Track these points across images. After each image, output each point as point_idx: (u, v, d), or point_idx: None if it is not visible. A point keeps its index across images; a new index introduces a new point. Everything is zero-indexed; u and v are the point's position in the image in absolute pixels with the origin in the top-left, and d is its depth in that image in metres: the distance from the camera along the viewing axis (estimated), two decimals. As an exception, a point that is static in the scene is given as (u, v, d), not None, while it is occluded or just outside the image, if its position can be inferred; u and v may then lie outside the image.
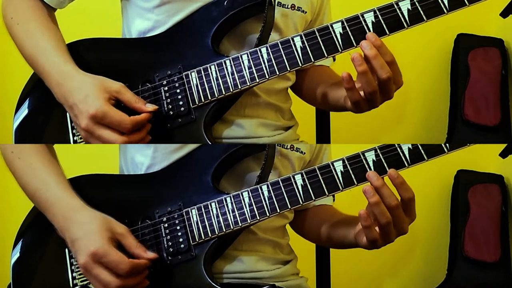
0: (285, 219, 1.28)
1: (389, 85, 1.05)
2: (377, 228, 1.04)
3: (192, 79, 1.10)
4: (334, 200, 1.34)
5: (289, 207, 1.07)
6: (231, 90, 1.09)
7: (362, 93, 1.06)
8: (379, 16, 1.06)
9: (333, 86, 1.23)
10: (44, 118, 1.18)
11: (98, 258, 1.01)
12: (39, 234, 1.17)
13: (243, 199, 1.09)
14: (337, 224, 1.22)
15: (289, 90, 1.35)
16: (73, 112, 1.05)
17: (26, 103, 1.19)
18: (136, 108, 1.06)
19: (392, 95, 1.08)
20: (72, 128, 1.15)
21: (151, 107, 1.07)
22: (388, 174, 1.03)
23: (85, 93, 1.04)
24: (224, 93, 1.09)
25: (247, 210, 1.08)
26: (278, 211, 1.07)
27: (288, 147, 1.24)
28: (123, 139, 1.03)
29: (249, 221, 1.07)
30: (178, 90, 1.11)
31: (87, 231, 1.04)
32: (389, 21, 1.05)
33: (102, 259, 1.01)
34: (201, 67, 1.11)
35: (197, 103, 1.10)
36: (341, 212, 1.30)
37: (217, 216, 1.09)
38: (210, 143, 1.09)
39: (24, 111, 1.19)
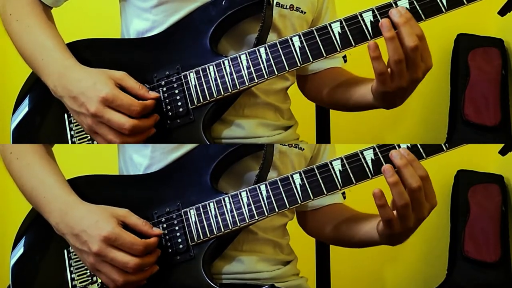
0: (285, 218, 1.28)
1: (416, 57, 1.02)
2: (394, 212, 1.02)
3: (190, 80, 1.10)
4: (345, 198, 1.34)
5: (288, 206, 1.07)
6: (230, 91, 1.09)
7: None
8: (378, 16, 1.05)
9: (346, 84, 1.24)
10: (42, 118, 1.18)
11: (111, 242, 1.02)
12: (38, 236, 1.17)
13: (242, 199, 1.08)
14: (347, 220, 1.22)
15: (291, 91, 1.35)
16: (79, 101, 1.05)
17: (24, 103, 1.19)
18: (140, 94, 1.06)
19: (419, 74, 1.05)
20: (70, 129, 1.15)
21: (153, 94, 1.08)
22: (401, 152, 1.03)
23: (93, 80, 1.05)
24: (222, 93, 1.09)
25: (245, 210, 1.08)
26: (277, 210, 1.07)
27: (287, 144, 1.23)
28: (132, 122, 1.03)
29: (247, 221, 1.07)
30: (176, 91, 1.11)
31: (92, 221, 1.05)
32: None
33: (116, 242, 1.02)
34: (200, 68, 1.10)
35: (195, 103, 1.10)
36: (353, 209, 1.29)
37: (216, 216, 1.09)
38: (209, 144, 1.09)
39: (22, 111, 1.19)
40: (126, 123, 1.03)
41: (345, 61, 1.37)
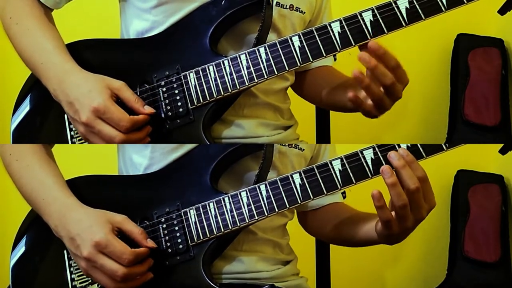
0: (285, 218, 1.28)
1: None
2: (393, 213, 1.02)
3: (190, 80, 1.10)
4: (344, 197, 1.34)
5: (288, 206, 1.07)
6: (230, 91, 1.09)
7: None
8: (377, 15, 1.05)
9: (341, 86, 1.24)
10: (42, 118, 1.18)
11: (101, 248, 1.02)
12: (38, 236, 1.17)
13: (241, 199, 1.08)
14: (350, 220, 1.22)
15: (290, 91, 1.35)
16: (74, 108, 1.05)
17: (24, 104, 1.19)
18: (134, 108, 1.06)
19: (400, 95, 1.07)
20: (71, 130, 1.15)
21: (148, 109, 1.07)
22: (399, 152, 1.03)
23: (89, 88, 1.05)
24: (222, 93, 1.09)
25: (245, 210, 1.08)
26: (277, 210, 1.07)
27: (286, 144, 1.23)
28: (122, 137, 1.03)
29: (247, 221, 1.07)
30: (176, 91, 1.11)
31: (86, 225, 1.05)
32: (387, 20, 1.05)
33: (106, 249, 1.02)
34: (199, 68, 1.10)
35: (195, 103, 1.10)
36: (353, 208, 1.29)
37: (216, 216, 1.09)
38: (209, 144, 1.09)
39: (22, 111, 1.19)
40: (116, 137, 1.03)
41: (335, 59, 1.37)
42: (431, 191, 1.04)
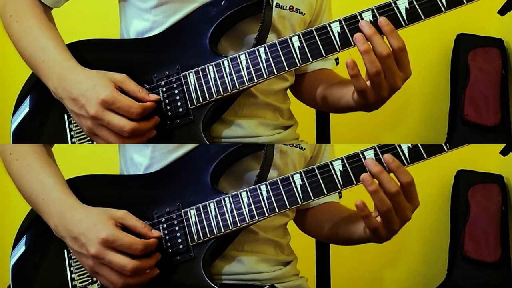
0: (286, 217, 1.28)
1: (392, 66, 1.04)
2: (379, 218, 1.03)
3: (190, 80, 1.10)
4: (340, 197, 1.34)
5: (288, 207, 1.07)
6: (230, 91, 1.09)
7: (368, 83, 1.06)
8: (377, 15, 1.05)
9: (336, 85, 1.23)
10: (42, 119, 1.18)
11: (109, 244, 1.02)
12: (38, 235, 1.17)
13: (242, 199, 1.08)
14: (344, 220, 1.22)
15: (289, 93, 1.35)
16: (79, 103, 1.05)
17: (25, 104, 1.19)
18: (140, 97, 1.06)
19: (398, 83, 1.06)
20: (71, 130, 1.15)
21: (154, 97, 1.08)
22: (383, 159, 1.03)
23: (93, 82, 1.05)
24: (222, 93, 1.09)
25: (245, 210, 1.08)
26: (277, 211, 1.07)
27: (288, 143, 1.23)
28: (132, 125, 1.03)
29: (248, 221, 1.07)
30: (176, 91, 1.11)
31: (90, 224, 1.05)
32: (387, 20, 1.05)
33: (114, 244, 1.02)
34: (199, 68, 1.10)
35: (195, 103, 1.10)
36: (348, 208, 1.29)
37: (216, 217, 1.09)
38: (209, 144, 1.09)
39: (22, 111, 1.19)
40: (126, 126, 1.03)
41: (337, 63, 1.37)
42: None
